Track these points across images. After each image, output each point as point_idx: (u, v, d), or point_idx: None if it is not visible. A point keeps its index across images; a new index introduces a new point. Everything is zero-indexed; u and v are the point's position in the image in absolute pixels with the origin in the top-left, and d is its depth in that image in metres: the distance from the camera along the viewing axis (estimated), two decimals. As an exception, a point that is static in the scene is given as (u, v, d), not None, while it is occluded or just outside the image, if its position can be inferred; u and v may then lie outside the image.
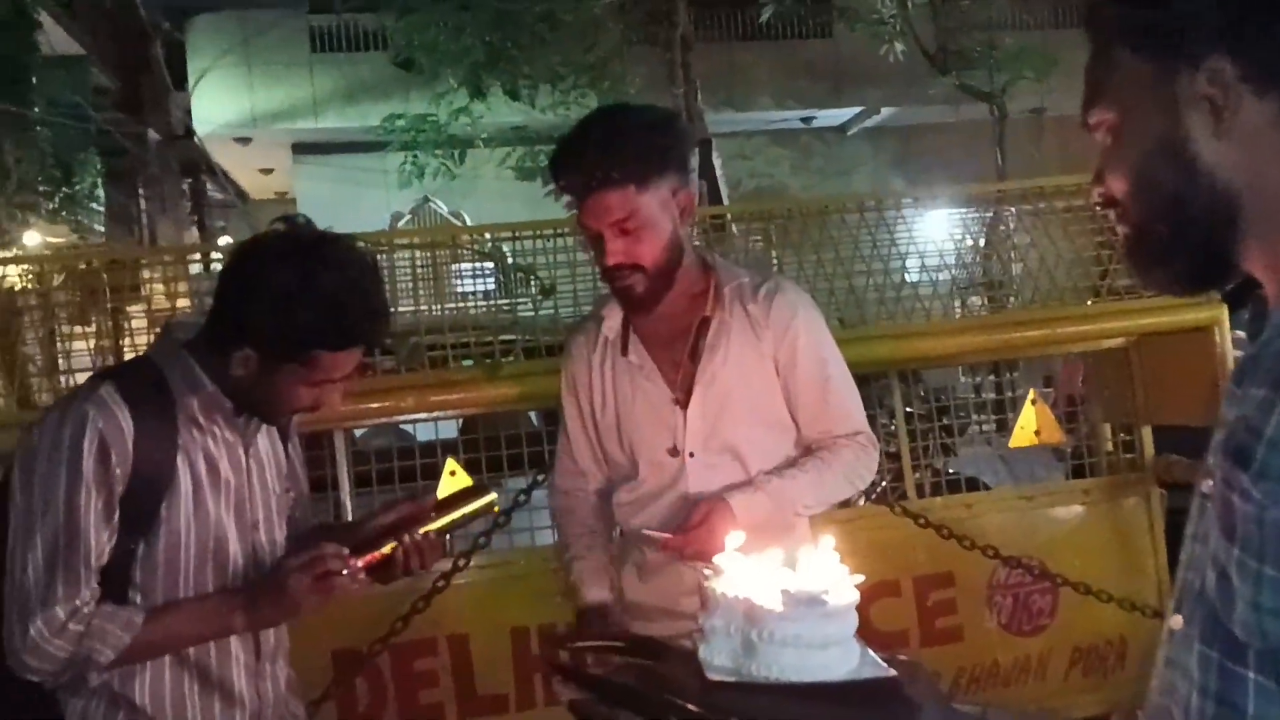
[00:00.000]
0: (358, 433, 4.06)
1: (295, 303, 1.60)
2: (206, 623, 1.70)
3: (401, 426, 3.81)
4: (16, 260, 3.47)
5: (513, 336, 3.21)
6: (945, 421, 3.98)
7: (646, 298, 2.01)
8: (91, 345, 2.85)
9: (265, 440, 1.82)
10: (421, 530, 1.75)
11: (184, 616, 1.69)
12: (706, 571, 1.65)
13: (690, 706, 1.46)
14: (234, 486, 1.73)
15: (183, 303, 3.14)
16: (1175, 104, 1.00)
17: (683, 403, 2.03)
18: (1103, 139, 1.09)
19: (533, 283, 3.42)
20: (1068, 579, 3.16)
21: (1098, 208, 1.12)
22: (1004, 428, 4.42)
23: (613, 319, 2.10)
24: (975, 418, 4.52)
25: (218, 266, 3.37)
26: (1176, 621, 1.04)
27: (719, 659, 1.55)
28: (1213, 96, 0.98)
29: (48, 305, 2.96)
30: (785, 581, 1.55)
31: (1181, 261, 1.05)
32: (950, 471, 3.97)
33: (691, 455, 2.03)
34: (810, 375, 2.06)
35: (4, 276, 3.16)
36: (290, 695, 1.88)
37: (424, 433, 3.37)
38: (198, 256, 4.16)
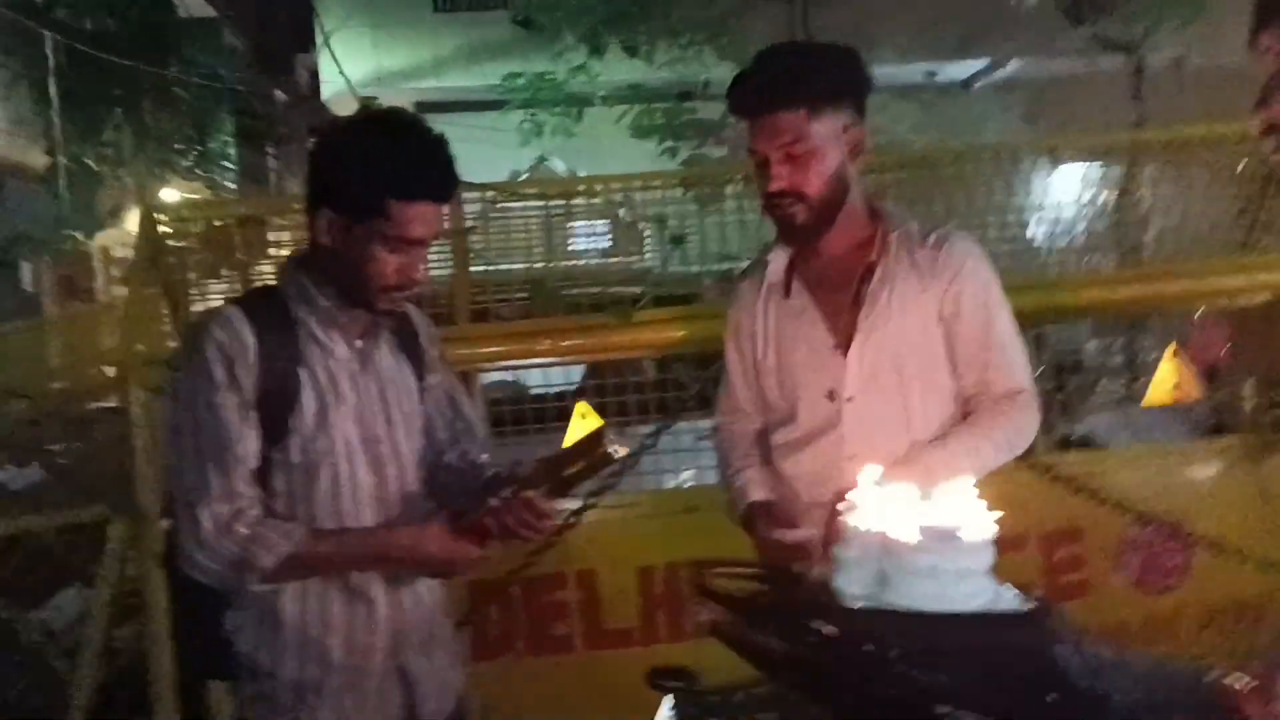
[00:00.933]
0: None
1: (366, 154, 1.72)
2: (363, 556, 1.81)
3: (514, 380, 3.91)
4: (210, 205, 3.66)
5: (638, 289, 3.26)
6: (1070, 383, 3.89)
7: (806, 229, 2.00)
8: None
9: (389, 360, 1.90)
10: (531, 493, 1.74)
11: (343, 542, 1.80)
12: (840, 505, 1.69)
13: (829, 630, 1.51)
14: (353, 403, 1.82)
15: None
16: None
17: (843, 347, 2.03)
18: (1273, 63, 1.08)
19: (647, 233, 3.48)
20: (1203, 537, 3.09)
21: (1260, 133, 1.12)
22: (1132, 392, 4.30)
23: (777, 262, 2.10)
24: (1103, 381, 4.42)
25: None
26: None
27: (853, 588, 1.59)
28: None
29: (211, 251, 3.12)
30: (921, 515, 1.58)
31: None
32: (1071, 435, 3.90)
33: (850, 400, 2.02)
34: (974, 326, 2.03)
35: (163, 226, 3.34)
36: (437, 611, 1.97)
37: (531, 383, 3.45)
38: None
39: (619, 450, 1.67)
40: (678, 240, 2.98)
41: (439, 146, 1.77)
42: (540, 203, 3.30)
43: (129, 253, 12.86)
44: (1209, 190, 3.44)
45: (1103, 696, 1.48)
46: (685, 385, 3.42)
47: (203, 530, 1.70)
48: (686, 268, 3.26)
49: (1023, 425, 2.05)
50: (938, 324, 2.03)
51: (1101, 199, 3.69)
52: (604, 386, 3.25)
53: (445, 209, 1.84)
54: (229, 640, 1.84)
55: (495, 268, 3.05)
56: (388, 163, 1.72)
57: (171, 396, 1.80)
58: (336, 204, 1.74)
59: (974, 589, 1.56)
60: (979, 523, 1.58)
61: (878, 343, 2.01)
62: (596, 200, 3.41)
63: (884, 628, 1.50)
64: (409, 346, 1.95)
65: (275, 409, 1.75)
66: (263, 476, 1.77)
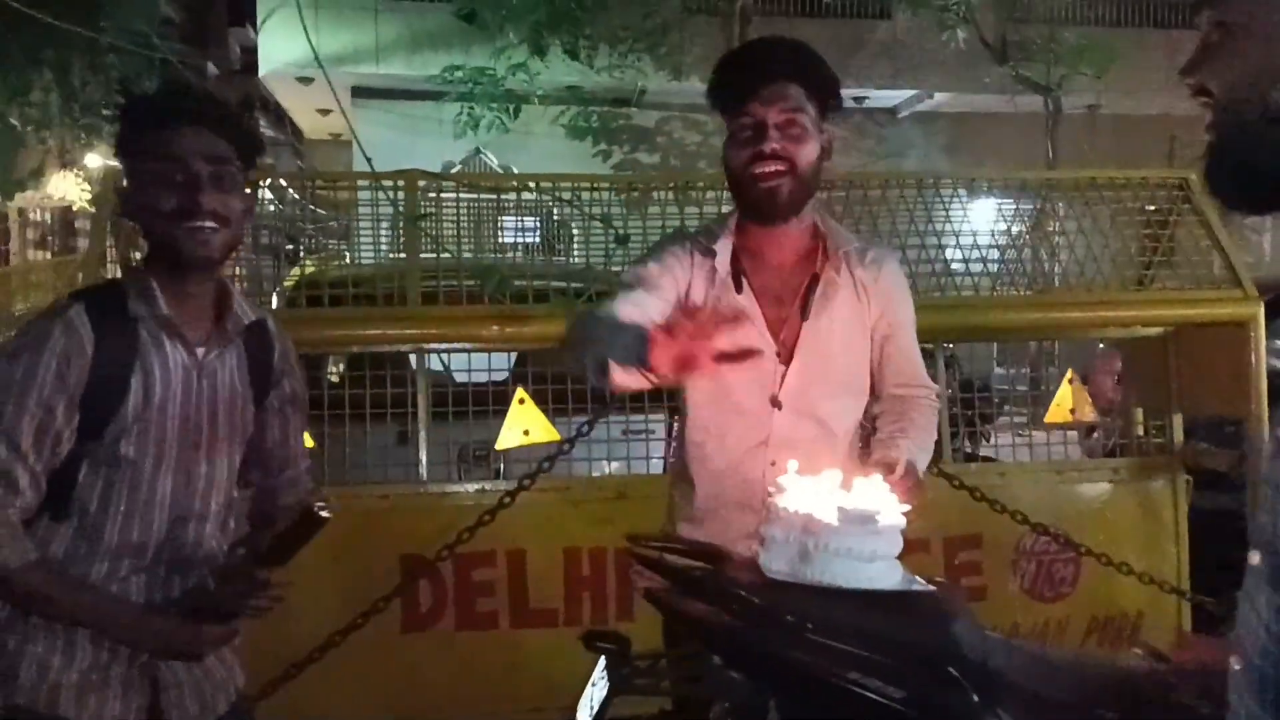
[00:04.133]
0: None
1: (127, 105, 1.93)
2: (88, 616, 1.77)
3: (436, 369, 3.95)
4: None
5: (578, 284, 3.34)
6: (977, 408, 4.10)
7: (786, 206, 2.03)
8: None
9: (231, 375, 1.91)
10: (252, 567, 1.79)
11: (73, 593, 1.76)
12: (770, 488, 1.84)
13: (753, 599, 1.66)
14: (179, 407, 1.83)
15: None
16: None
17: (784, 358, 2.09)
18: (1209, 35, 1.09)
19: (576, 231, 3.58)
20: (1091, 550, 3.31)
21: (1190, 95, 1.16)
22: (1036, 420, 4.56)
23: (724, 255, 2.11)
24: (1006, 407, 4.66)
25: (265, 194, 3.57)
26: (1254, 558, 1.07)
27: (777, 564, 1.74)
28: None
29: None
30: (841, 500, 1.74)
31: (1258, 174, 1.07)
32: (975, 455, 4.11)
33: (780, 408, 2.09)
34: (903, 342, 2.17)
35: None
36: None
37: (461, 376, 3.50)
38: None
39: (327, 513, 1.72)
40: (622, 240, 3.09)
41: (183, 82, 1.96)
42: (491, 195, 3.40)
43: (46, 217, 12.53)
44: (1113, 229, 3.68)
45: (997, 672, 1.64)
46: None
47: None
48: (623, 267, 3.36)
49: (934, 420, 2.19)
50: (867, 339, 2.15)
51: (1016, 230, 3.92)
52: (538, 375, 3.35)
53: (213, 139, 1.80)
54: None
55: (444, 255, 3.12)
56: (135, 102, 1.92)
57: None
58: (127, 172, 1.83)
59: (884, 570, 1.72)
60: (890, 511, 1.74)
61: (818, 355, 2.09)
62: (543, 197, 3.51)
63: (799, 601, 1.65)
64: (259, 366, 1.96)
65: (99, 405, 1.76)
66: (70, 471, 1.77)
